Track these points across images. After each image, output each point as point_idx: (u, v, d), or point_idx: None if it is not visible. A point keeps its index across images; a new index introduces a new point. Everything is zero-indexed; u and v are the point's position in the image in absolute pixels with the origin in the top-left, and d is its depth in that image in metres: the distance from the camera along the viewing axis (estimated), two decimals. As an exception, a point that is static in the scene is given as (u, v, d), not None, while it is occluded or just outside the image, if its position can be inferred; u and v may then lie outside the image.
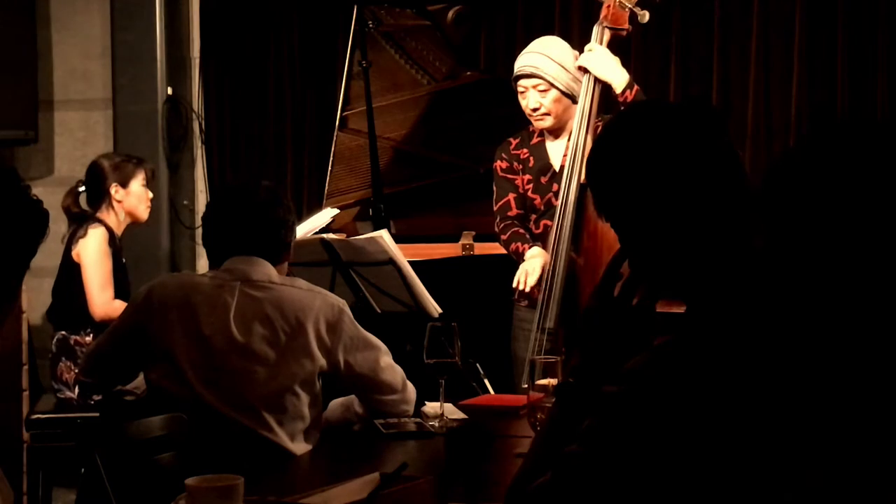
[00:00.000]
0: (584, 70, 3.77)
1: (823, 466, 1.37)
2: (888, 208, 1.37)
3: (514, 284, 3.81)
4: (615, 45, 3.80)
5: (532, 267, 3.79)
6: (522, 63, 3.86)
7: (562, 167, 3.84)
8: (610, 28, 3.74)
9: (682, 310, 1.60)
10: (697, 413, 1.40)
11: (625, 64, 5.02)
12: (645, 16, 3.70)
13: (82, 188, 4.56)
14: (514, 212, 4.02)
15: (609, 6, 3.73)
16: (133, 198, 4.52)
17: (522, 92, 3.88)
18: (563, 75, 3.82)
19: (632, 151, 1.60)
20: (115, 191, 4.48)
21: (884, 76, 4.78)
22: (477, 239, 4.58)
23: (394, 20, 4.93)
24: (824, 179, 1.39)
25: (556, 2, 5.20)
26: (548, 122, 3.88)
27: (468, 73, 5.02)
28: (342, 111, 4.86)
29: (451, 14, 5.01)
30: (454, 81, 5.01)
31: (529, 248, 3.86)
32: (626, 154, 1.60)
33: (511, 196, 4.02)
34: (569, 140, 3.83)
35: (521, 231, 3.95)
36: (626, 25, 3.74)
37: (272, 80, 5.63)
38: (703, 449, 1.39)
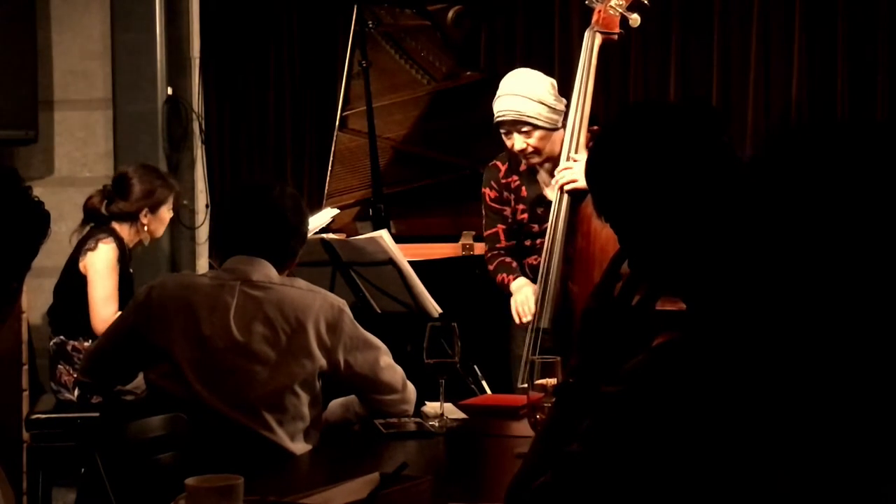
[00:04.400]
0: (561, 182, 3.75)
1: (822, 467, 1.37)
2: (877, 202, 1.37)
3: (516, 321, 3.83)
4: (606, 50, 3.80)
5: (524, 298, 3.81)
6: (502, 108, 3.79)
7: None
8: (601, 32, 3.74)
9: (681, 307, 1.60)
10: (697, 414, 1.40)
11: (625, 65, 5.07)
12: (636, 20, 3.70)
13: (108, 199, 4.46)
14: (503, 244, 4.02)
15: (600, 11, 3.73)
16: (157, 222, 4.48)
17: (506, 134, 3.86)
18: (544, 112, 3.78)
19: (631, 151, 1.60)
20: (144, 215, 4.42)
21: (884, 76, 4.79)
22: (477, 239, 4.58)
23: (394, 20, 4.94)
24: (809, 176, 1.39)
25: (555, 1, 5.20)
26: (536, 159, 3.86)
27: (468, 73, 5.03)
28: (342, 111, 4.87)
29: (451, 14, 5.02)
30: (454, 81, 5.02)
31: (515, 279, 3.89)
32: (626, 154, 1.60)
33: (500, 228, 4.02)
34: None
35: (508, 261, 3.98)
36: (618, 30, 3.74)
37: (272, 80, 5.64)
38: (703, 449, 1.39)
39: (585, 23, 3.81)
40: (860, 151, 1.39)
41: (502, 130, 3.85)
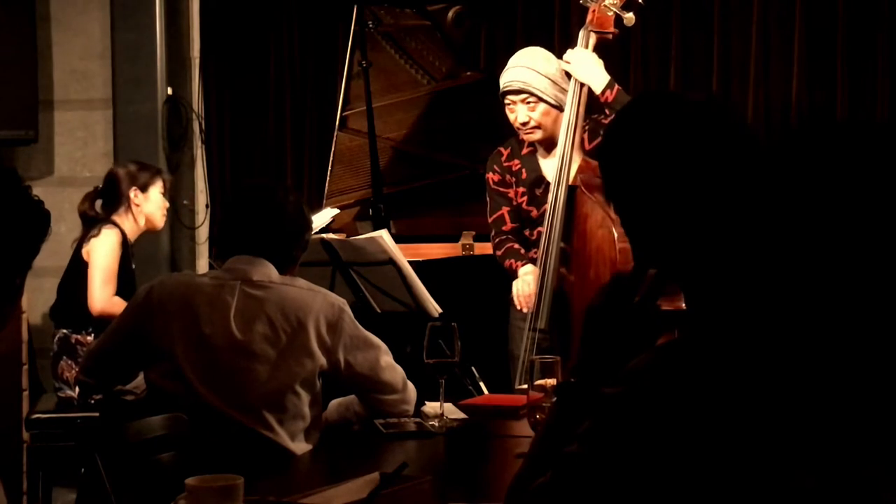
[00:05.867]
0: (569, 75, 3.78)
1: (822, 469, 1.37)
2: (881, 206, 1.37)
3: (518, 307, 3.86)
4: (602, 49, 3.81)
5: (527, 287, 3.83)
6: (509, 78, 3.85)
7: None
8: (595, 32, 3.74)
9: (681, 307, 1.60)
10: (697, 415, 1.40)
11: (624, 64, 5.07)
12: (631, 19, 3.70)
13: (99, 198, 4.55)
14: (508, 226, 4.03)
15: (594, 10, 3.73)
16: (152, 204, 4.54)
17: (510, 106, 3.87)
18: (550, 88, 3.81)
19: (647, 142, 1.56)
20: (135, 195, 4.49)
21: (884, 76, 4.79)
22: (477, 239, 4.58)
23: (394, 20, 4.94)
24: (816, 176, 1.39)
25: (555, 1, 5.21)
26: (538, 135, 3.88)
27: (468, 73, 5.03)
28: (342, 111, 4.86)
29: (451, 14, 5.01)
30: (454, 81, 5.02)
31: (523, 265, 3.90)
32: (642, 143, 1.57)
33: (505, 210, 4.03)
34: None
35: (516, 247, 3.98)
36: (612, 29, 3.75)
37: (272, 80, 5.64)
38: (703, 450, 1.39)
39: (584, 23, 3.81)
40: (871, 154, 1.39)
41: (507, 102, 3.88)
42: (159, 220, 4.61)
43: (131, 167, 4.58)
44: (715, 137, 1.55)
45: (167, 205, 4.65)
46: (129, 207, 4.49)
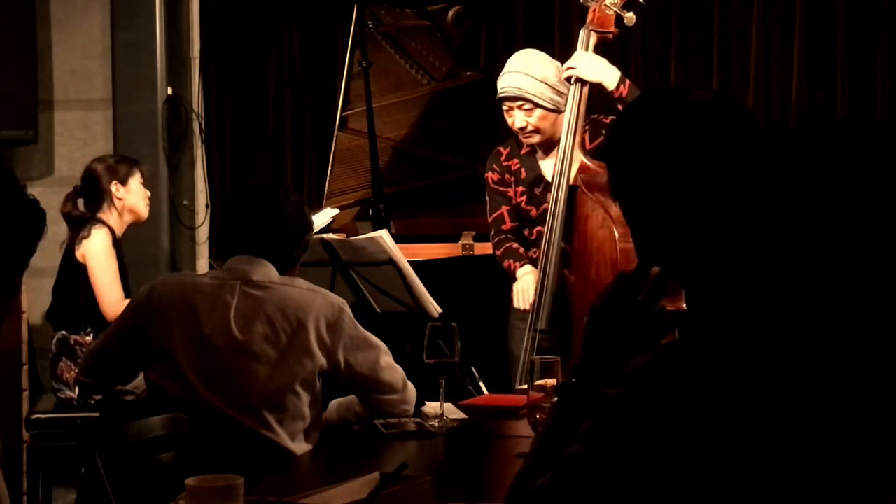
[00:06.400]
0: (569, 80, 3.76)
1: (822, 469, 1.37)
2: (882, 209, 1.36)
3: (515, 304, 3.87)
4: (602, 49, 3.80)
5: (526, 285, 3.82)
6: (505, 84, 3.84)
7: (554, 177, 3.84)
8: (596, 32, 3.74)
9: (681, 308, 1.60)
10: (697, 416, 1.40)
11: (624, 64, 5.06)
12: (631, 19, 3.69)
13: (80, 196, 4.56)
14: (507, 225, 4.03)
15: (595, 10, 3.73)
16: (134, 195, 4.54)
17: (508, 111, 3.88)
18: (547, 93, 3.81)
19: (652, 139, 1.54)
20: (116, 189, 4.49)
21: (884, 76, 4.79)
22: (477, 239, 4.58)
23: (394, 20, 4.94)
24: (817, 177, 1.39)
25: (555, 1, 5.20)
26: (536, 138, 3.89)
27: (468, 73, 5.03)
28: (342, 111, 4.86)
29: (451, 14, 5.02)
30: (454, 81, 5.02)
31: (521, 266, 3.90)
32: (647, 140, 1.55)
33: (504, 209, 4.04)
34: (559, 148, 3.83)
35: (515, 246, 3.99)
36: (612, 29, 3.74)
37: (272, 80, 5.63)
38: (703, 451, 1.39)
39: (585, 23, 3.80)
40: (873, 156, 1.39)
41: (504, 107, 3.88)
42: (143, 210, 4.61)
43: (109, 161, 4.58)
44: (721, 135, 1.54)
45: (148, 194, 4.64)
46: (112, 202, 4.49)
